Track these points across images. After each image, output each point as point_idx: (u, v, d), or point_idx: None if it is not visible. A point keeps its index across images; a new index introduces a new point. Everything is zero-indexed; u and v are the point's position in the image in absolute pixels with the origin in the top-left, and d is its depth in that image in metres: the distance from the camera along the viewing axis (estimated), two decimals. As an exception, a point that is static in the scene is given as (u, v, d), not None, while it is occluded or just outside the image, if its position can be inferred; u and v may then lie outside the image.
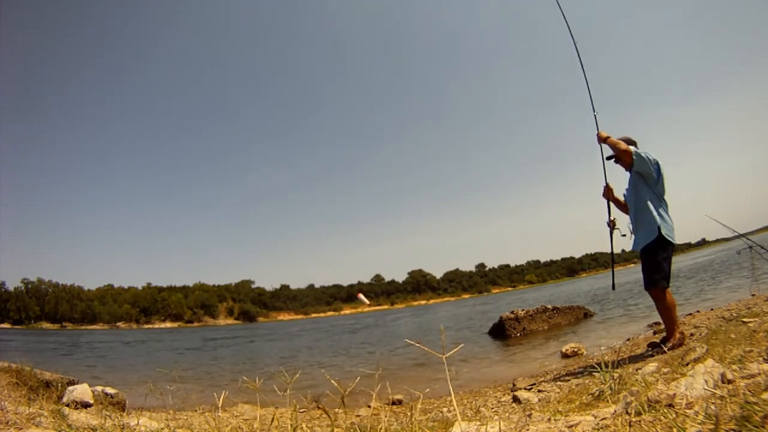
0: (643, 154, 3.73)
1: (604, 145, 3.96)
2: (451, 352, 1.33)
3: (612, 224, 4.00)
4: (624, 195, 4.08)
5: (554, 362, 5.12)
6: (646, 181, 3.76)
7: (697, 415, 1.02)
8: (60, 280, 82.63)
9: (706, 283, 11.37)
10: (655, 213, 3.68)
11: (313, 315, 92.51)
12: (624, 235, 3.96)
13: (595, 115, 4.15)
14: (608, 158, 4.01)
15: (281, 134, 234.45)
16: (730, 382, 1.30)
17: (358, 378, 1.48)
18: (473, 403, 3.54)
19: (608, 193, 4.08)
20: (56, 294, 79.35)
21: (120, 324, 79.26)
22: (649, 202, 3.71)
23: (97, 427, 1.65)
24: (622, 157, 3.82)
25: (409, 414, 1.50)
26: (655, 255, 3.67)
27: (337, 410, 2.01)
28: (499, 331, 8.60)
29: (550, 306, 9.26)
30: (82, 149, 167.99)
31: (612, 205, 4.10)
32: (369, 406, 3.49)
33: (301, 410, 3.17)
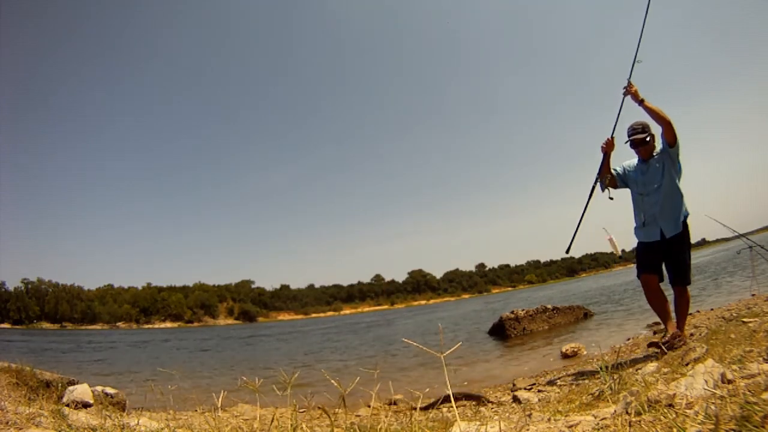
0: None
1: (632, 105, 3.42)
2: (449, 351, 1.33)
3: (604, 181, 3.59)
4: (623, 171, 3.64)
5: (554, 362, 5.12)
6: (673, 167, 3.40)
7: (697, 415, 1.02)
8: (60, 280, 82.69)
9: (706, 283, 11.36)
10: (684, 202, 3.40)
11: (313, 315, 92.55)
12: (612, 198, 3.62)
13: (634, 63, 3.52)
14: (626, 142, 3.52)
15: (281, 134, 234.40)
16: (730, 382, 1.29)
17: (358, 378, 1.48)
18: (473, 403, 3.54)
19: (609, 147, 3.58)
20: (56, 294, 79.34)
21: (120, 324, 79.24)
22: (680, 189, 3.40)
23: (97, 427, 1.65)
24: (666, 130, 3.31)
25: (408, 414, 1.50)
26: (687, 248, 3.40)
27: (337, 410, 2.01)
28: (499, 331, 8.60)
29: (550, 306, 9.26)
30: (82, 149, 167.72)
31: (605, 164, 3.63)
32: (369, 406, 3.49)
33: (301, 410, 3.17)
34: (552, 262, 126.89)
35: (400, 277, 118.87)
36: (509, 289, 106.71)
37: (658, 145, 3.51)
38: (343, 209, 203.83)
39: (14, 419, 1.68)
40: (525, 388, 3.66)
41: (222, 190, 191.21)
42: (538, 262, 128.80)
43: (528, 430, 1.40)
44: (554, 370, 4.42)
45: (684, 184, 3.46)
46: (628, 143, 3.51)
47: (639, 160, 3.58)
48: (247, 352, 13.08)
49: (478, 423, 1.42)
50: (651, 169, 3.48)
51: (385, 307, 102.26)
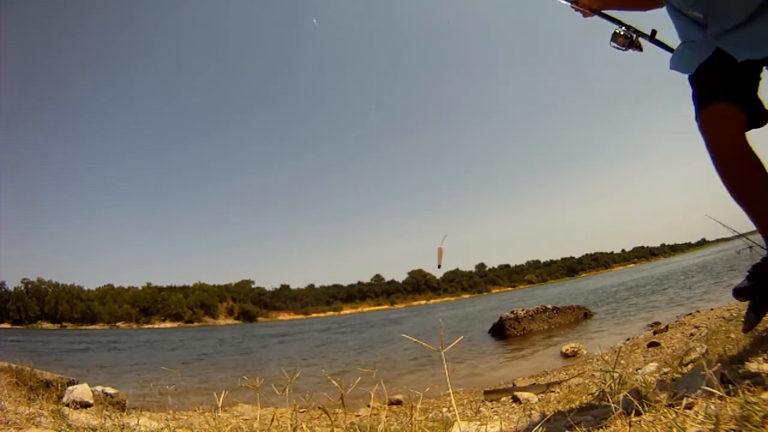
0: None
1: None
2: (449, 346, 1.33)
3: (653, 34, 1.73)
4: None
5: (554, 362, 5.12)
6: None
7: (697, 415, 1.02)
8: (60, 280, 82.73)
9: (706, 283, 11.36)
10: None
11: (313, 315, 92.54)
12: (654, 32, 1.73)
13: None
14: None
15: (281, 134, 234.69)
16: (730, 382, 1.29)
17: (359, 378, 1.48)
18: (473, 402, 3.54)
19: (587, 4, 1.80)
20: (56, 294, 79.30)
21: (120, 324, 79.22)
22: None
23: (97, 427, 1.65)
24: None
25: (408, 414, 1.50)
26: None
27: (337, 410, 2.01)
28: (500, 331, 8.61)
29: (550, 306, 9.26)
30: (82, 149, 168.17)
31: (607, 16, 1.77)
32: (369, 406, 3.49)
33: (301, 410, 3.16)
34: (552, 262, 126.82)
35: (400, 277, 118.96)
36: (509, 289, 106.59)
37: None
38: (343, 209, 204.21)
39: (14, 419, 1.68)
40: (525, 388, 3.66)
41: (222, 190, 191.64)
42: (538, 262, 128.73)
43: (528, 430, 1.40)
44: (554, 370, 4.42)
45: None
46: None
47: None
48: (248, 352, 13.08)
49: (478, 423, 1.42)
50: None
51: (385, 307, 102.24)
